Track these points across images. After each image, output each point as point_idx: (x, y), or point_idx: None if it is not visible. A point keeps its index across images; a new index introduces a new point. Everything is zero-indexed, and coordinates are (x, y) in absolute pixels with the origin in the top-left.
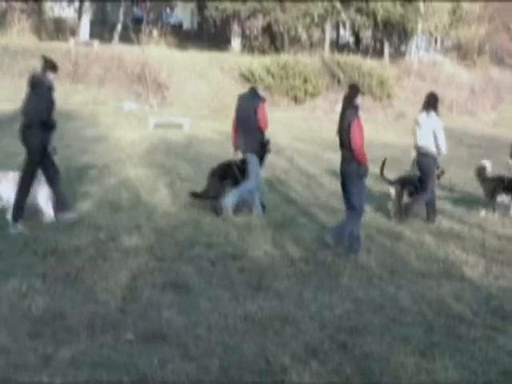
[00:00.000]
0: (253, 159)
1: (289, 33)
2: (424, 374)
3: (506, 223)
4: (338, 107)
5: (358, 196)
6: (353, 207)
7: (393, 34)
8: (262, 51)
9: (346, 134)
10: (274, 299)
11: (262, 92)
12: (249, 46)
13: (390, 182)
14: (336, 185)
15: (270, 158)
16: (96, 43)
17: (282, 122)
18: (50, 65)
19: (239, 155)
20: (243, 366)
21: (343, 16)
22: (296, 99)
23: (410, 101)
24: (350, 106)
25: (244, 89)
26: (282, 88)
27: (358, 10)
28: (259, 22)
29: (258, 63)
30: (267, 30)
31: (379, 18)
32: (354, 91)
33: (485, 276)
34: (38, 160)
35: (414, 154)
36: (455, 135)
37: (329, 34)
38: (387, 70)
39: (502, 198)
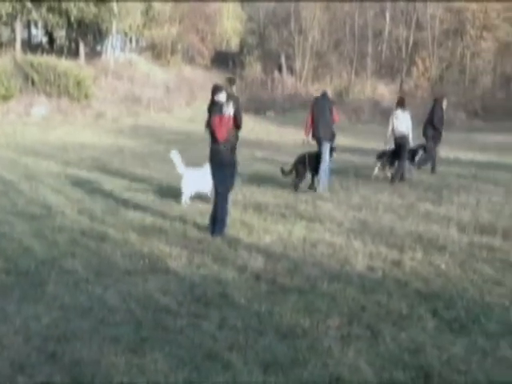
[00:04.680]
0: (327, 146)
1: None
2: (135, 370)
3: (204, 211)
4: (34, 110)
5: (221, 182)
6: (217, 192)
7: (88, 34)
8: None
9: (212, 128)
10: None
11: (330, 95)
12: None
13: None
14: (35, 191)
15: None
16: None
17: None
18: (233, 81)
19: (313, 141)
20: None
21: (34, 15)
22: None
23: (109, 100)
24: (213, 104)
25: None
26: None
27: (50, 9)
28: None
29: None
30: None
31: (73, 18)
32: (216, 91)
33: (188, 266)
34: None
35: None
36: (154, 133)
37: (20, 33)
38: (84, 70)
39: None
